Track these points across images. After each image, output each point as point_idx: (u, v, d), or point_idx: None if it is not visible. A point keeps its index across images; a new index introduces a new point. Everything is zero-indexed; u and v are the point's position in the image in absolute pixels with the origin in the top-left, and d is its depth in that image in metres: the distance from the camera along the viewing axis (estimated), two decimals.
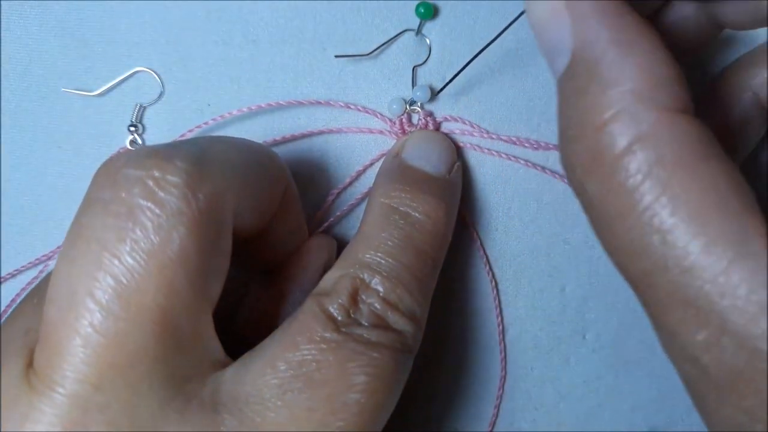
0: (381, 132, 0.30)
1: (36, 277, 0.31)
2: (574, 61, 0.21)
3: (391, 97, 0.30)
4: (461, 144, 0.30)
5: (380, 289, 0.24)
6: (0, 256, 0.31)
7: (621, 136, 0.19)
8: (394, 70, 0.30)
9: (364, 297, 0.24)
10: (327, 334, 0.22)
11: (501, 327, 0.32)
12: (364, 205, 0.29)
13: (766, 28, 0.26)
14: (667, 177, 0.18)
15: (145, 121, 0.30)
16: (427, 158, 0.28)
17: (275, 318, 0.27)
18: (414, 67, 0.30)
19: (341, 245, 0.30)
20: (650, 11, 0.25)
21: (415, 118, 0.30)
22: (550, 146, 0.30)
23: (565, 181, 0.30)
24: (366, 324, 0.23)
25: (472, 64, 0.29)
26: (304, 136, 0.30)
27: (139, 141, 0.30)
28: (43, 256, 0.31)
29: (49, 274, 0.26)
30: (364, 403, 0.22)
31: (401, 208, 0.26)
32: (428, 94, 0.30)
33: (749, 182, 0.19)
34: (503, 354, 0.32)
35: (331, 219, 0.30)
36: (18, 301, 0.30)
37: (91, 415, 0.19)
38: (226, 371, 0.22)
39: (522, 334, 0.32)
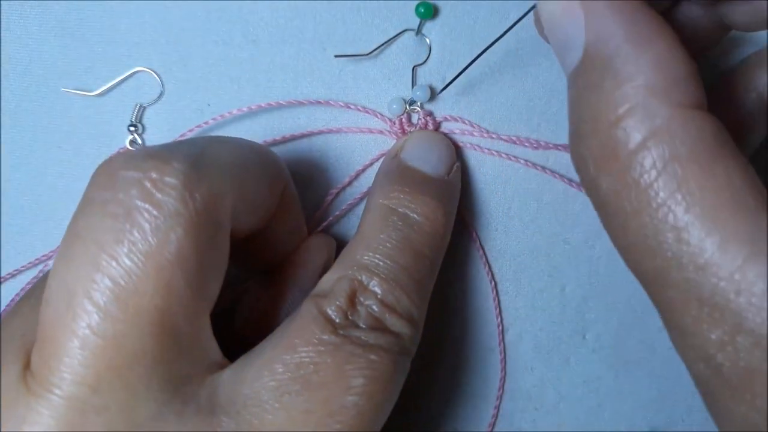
0: (381, 132, 0.30)
1: (35, 277, 0.31)
2: (587, 57, 0.21)
3: (391, 97, 0.30)
4: (461, 144, 0.30)
5: (378, 291, 0.24)
6: (0, 256, 0.31)
7: (635, 131, 0.19)
8: (394, 70, 0.30)
9: (362, 299, 0.24)
10: (325, 337, 0.22)
11: (501, 327, 0.32)
12: (363, 205, 0.29)
13: None
14: (682, 173, 0.18)
15: (145, 121, 0.30)
16: (426, 159, 0.28)
17: (274, 317, 0.27)
18: (414, 66, 0.30)
19: (340, 244, 0.30)
20: (659, 10, 0.25)
21: (414, 118, 0.30)
22: (550, 146, 0.30)
23: (565, 180, 0.30)
24: (364, 326, 0.23)
25: (471, 65, 0.29)
26: (304, 136, 0.30)
27: (139, 141, 0.30)
28: (43, 256, 0.31)
29: (45, 275, 0.26)
30: (361, 405, 0.22)
31: (400, 210, 0.26)
32: (428, 94, 0.30)
33: None
34: (503, 354, 0.32)
35: (330, 218, 0.30)
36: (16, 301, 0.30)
37: (89, 417, 0.19)
38: (223, 373, 0.22)
39: (522, 334, 0.32)
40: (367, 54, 0.30)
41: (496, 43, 0.26)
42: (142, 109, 0.30)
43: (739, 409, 0.18)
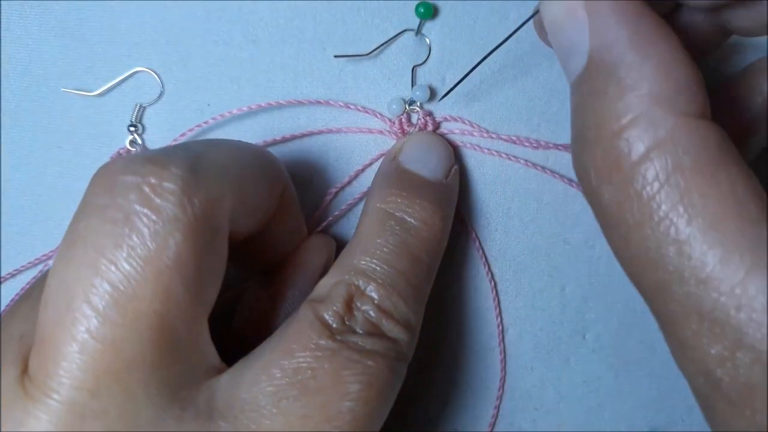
0: (380, 132, 0.30)
1: (35, 277, 0.31)
2: (591, 63, 0.20)
3: (390, 97, 0.30)
4: (461, 144, 0.30)
5: (375, 296, 0.24)
6: (0, 256, 0.31)
7: (639, 142, 0.19)
8: (394, 70, 0.30)
9: (359, 304, 0.24)
10: (322, 342, 0.22)
11: (501, 327, 0.32)
12: (362, 205, 0.29)
13: None
14: (685, 185, 0.18)
15: (145, 121, 0.30)
16: (424, 163, 0.28)
17: (274, 318, 0.27)
18: (413, 67, 0.30)
19: (340, 245, 0.30)
20: (660, 15, 0.25)
21: (414, 118, 0.30)
22: (550, 146, 0.30)
23: (565, 180, 0.30)
24: (361, 332, 0.23)
25: (471, 66, 0.29)
26: (304, 136, 0.30)
27: (139, 141, 0.30)
28: (43, 255, 0.31)
29: (43, 276, 0.26)
30: (358, 411, 0.22)
31: (397, 214, 0.26)
32: (427, 94, 0.30)
33: None
34: (503, 354, 0.32)
35: (330, 218, 0.30)
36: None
37: (88, 421, 0.19)
38: (221, 377, 0.22)
39: (522, 334, 0.32)
40: (367, 54, 0.30)
41: (496, 44, 0.26)
42: (142, 109, 0.30)
43: (738, 425, 0.18)
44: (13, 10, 0.30)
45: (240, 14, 0.30)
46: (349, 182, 0.31)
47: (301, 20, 0.30)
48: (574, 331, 0.32)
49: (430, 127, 0.30)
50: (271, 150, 0.29)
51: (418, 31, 0.30)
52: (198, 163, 0.21)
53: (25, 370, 0.20)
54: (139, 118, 0.30)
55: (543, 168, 0.30)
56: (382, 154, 0.30)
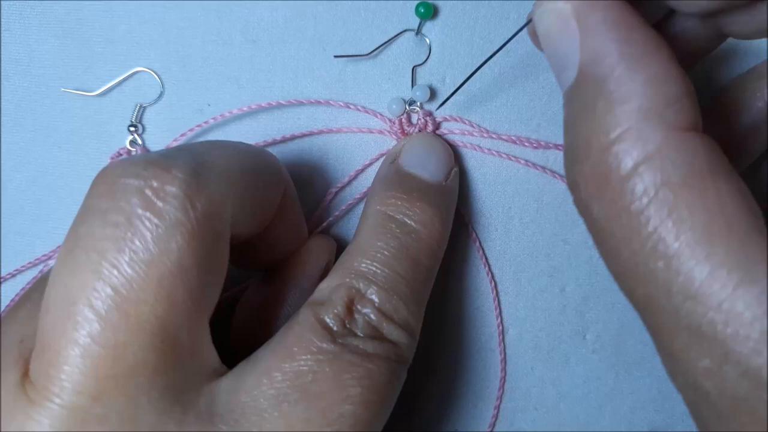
0: (381, 132, 0.30)
1: (35, 278, 0.31)
2: (581, 76, 0.20)
3: (390, 97, 0.30)
4: (461, 144, 0.30)
5: (376, 299, 0.24)
6: (0, 256, 0.31)
7: (627, 157, 0.19)
8: (394, 70, 0.30)
9: (359, 307, 0.24)
10: (323, 345, 0.22)
11: (501, 327, 0.32)
12: (362, 205, 0.29)
13: None
14: (673, 200, 0.18)
15: (145, 121, 0.30)
16: (424, 165, 0.28)
17: (274, 319, 0.27)
18: (414, 67, 0.30)
19: (340, 245, 0.30)
20: (656, 19, 0.25)
21: (414, 118, 0.30)
22: (551, 145, 0.30)
23: (566, 181, 0.30)
24: (361, 335, 0.23)
25: (471, 66, 0.29)
26: (304, 136, 0.30)
27: (139, 141, 0.30)
28: (43, 255, 0.31)
29: (42, 278, 0.26)
30: (359, 414, 0.22)
31: (398, 217, 0.26)
32: (428, 94, 0.30)
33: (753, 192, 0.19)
34: (503, 354, 0.32)
35: (330, 219, 0.30)
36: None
37: (90, 426, 0.19)
38: (222, 380, 0.22)
39: (522, 334, 0.32)
40: (367, 54, 0.30)
41: (496, 44, 0.26)
42: (142, 109, 0.30)
43: None
44: (13, 10, 0.30)
45: (240, 14, 0.30)
46: (349, 182, 0.31)
47: (301, 20, 0.30)
48: (574, 331, 0.32)
49: (430, 127, 0.30)
50: (271, 150, 0.29)
51: (418, 31, 0.30)
52: (200, 166, 0.21)
53: (26, 373, 0.20)
54: (139, 118, 0.30)
55: (543, 168, 0.30)
56: (382, 154, 0.30)
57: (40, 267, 0.31)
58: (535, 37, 0.23)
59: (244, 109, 0.30)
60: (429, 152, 0.29)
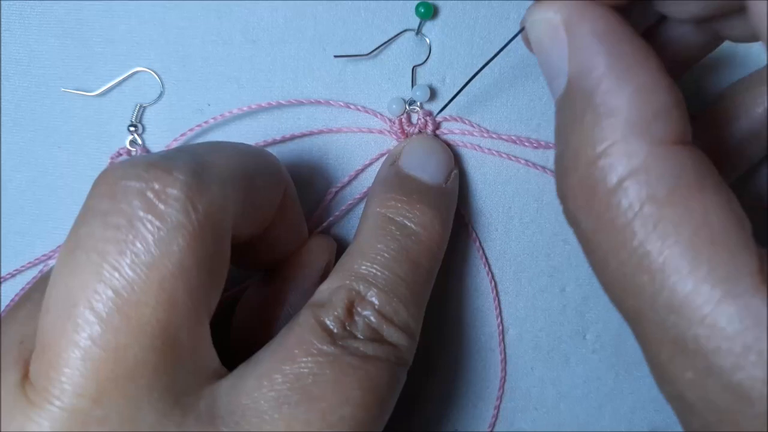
0: (380, 132, 0.30)
1: (35, 278, 0.31)
2: (570, 87, 0.20)
3: (390, 97, 0.30)
4: (461, 144, 0.30)
5: (376, 301, 0.24)
6: (0, 256, 0.31)
7: (613, 171, 0.19)
8: (394, 70, 0.30)
9: (359, 309, 0.24)
10: (324, 347, 0.22)
11: (501, 327, 0.32)
12: (362, 205, 0.29)
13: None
14: (658, 214, 0.18)
15: (145, 121, 0.30)
16: (424, 167, 0.28)
17: (273, 319, 0.27)
18: (414, 66, 0.30)
19: (340, 244, 0.30)
20: (648, 25, 0.25)
21: (414, 118, 0.30)
22: (551, 145, 0.30)
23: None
24: (362, 337, 0.23)
25: (471, 65, 0.29)
26: (304, 136, 0.30)
27: (139, 141, 0.30)
28: (43, 255, 0.31)
29: (41, 279, 0.26)
30: (359, 416, 0.22)
31: (397, 219, 0.26)
32: (428, 94, 0.30)
33: (749, 195, 0.19)
34: (503, 354, 0.32)
35: (330, 219, 0.30)
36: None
37: (90, 428, 0.19)
38: (222, 382, 0.22)
39: (522, 334, 0.32)
40: (367, 54, 0.30)
41: (496, 43, 0.26)
42: (142, 109, 0.30)
43: None
44: (13, 10, 0.30)
45: (240, 14, 0.30)
46: (349, 182, 0.31)
47: (301, 20, 0.30)
48: (574, 331, 0.32)
49: (430, 127, 0.30)
50: (271, 150, 0.29)
51: (418, 31, 0.30)
52: (201, 167, 0.21)
53: (25, 375, 0.20)
54: (139, 118, 0.30)
55: (543, 168, 0.30)
56: (382, 154, 0.30)
57: (40, 267, 0.31)
58: (529, 43, 0.23)
59: (244, 109, 0.30)
60: (429, 154, 0.29)
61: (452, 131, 0.30)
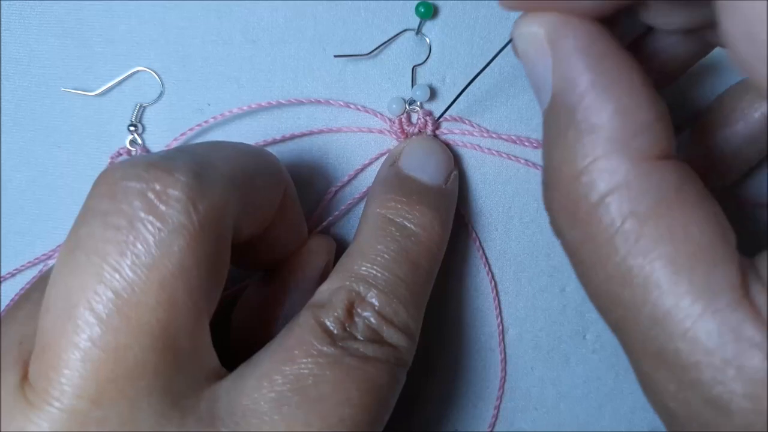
0: (381, 131, 0.30)
1: (35, 277, 0.31)
2: (554, 102, 0.20)
3: (390, 97, 0.30)
4: (461, 143, 0.30)
5: (376, 302, 0.24)
6: (0, 256, 0.31)
7: (595, 187, 0.19)
8: (394, 69, 0.30)
9: (359, 310, 0.24)
10: (324, 348, 0.22)
11: (501, 327, 0.32)
12: (362, 205, 0.29)
13: None
14: (640, 230, 0.18)
15: (145, 120, 0.30)
16: (423, 168, 0.28)
17: (274, 318, 0.27)
18: (413, 66, 0.30)
19: (340, 244, 0.30)
20: (636, 35, 0.24)
21: (414, 118, 0.30)
22: None
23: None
24: (361, 338, 0.23)
25: (471, 65, 0.29)
26: (304, 136, 0.30)
27: (139, 141, 0.30)
28: (43, 255, 0.31)
29: (41, 278, 0.26)
30: (359, 418, 0.22)
31: (397, 220, 0.26)
32: (427, 94, 0.30)
33: (745, 197, 0.19)
34: (503, 354, 0.32)
35: (330, 218, 0.30)
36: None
37: (90, 429, 0.19)
38: (222, 383, 0.22)
39: (522, 334, 0.32)
40: (367, 54, 0.30)
41: (496, 43, 0.26)
42: (142, 109, 0.30)
43: None
44: (13, 10, 0.30)
45: (240, 14, 0.30)
46: (349, 182, 0.31)
47: (301, 20, 0.30)
48: (574, 331, 0.32)
49: (430, 127, 0.30)
50: (271, 150, 0.29)
51: (418, 31, 0.30)
52: (202, 168, 0.21)
53: (25, 376, 0.20)
54: (139, 118, 0.30)
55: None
56: (382, 154, 0.30)
57: (40, 267, 0.31)
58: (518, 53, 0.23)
59: (244, 108, 0.30)
60: (429, 155, 0.29)
61: (452, 131, 0.30)
